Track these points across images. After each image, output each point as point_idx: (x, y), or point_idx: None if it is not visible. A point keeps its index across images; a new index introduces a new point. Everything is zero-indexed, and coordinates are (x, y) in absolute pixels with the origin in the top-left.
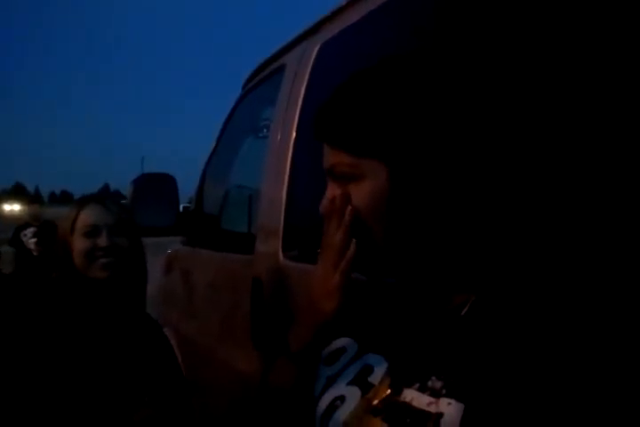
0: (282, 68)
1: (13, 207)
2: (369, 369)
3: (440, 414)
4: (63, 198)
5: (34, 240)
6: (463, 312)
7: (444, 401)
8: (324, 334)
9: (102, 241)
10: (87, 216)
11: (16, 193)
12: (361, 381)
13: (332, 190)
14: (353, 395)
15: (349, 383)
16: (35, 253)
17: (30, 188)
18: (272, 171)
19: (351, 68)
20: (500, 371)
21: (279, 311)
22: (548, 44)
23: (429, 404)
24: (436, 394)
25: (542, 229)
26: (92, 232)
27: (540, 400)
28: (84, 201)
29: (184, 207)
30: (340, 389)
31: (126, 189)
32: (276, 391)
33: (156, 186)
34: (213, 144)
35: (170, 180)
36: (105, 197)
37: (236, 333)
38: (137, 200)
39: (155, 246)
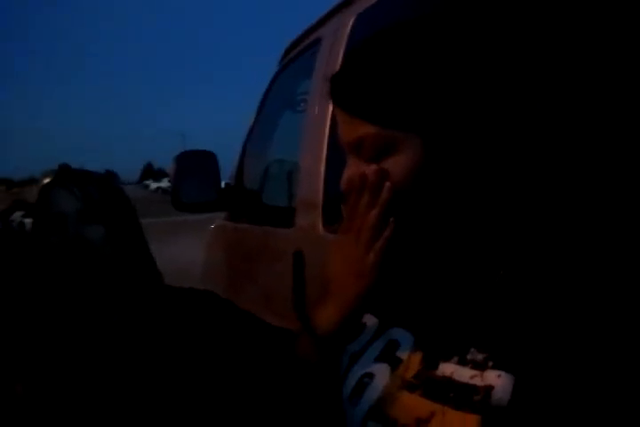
0: (318, 42)
1: None
2: (395, 344)
3: (490, 387)
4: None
5: (29, 220)
6: (495, 283)
7: (491, 373)
8: (354, 315)
9: (66, 233)
10: (47, 205)
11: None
12: (388, 356)
13: (357, 165)
14: (382, 371)
15: (376, 360)
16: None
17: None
18: (310, 144)
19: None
20: (547, 341)
21: (320, 284)
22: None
23: (473, 377)
24: (479, 366)
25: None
26: (54, 224)
27: (592, 368)
28: (44, 185)
29: (226, 184)
30: (366, 366)
31: (169, 168)
32: (304, 373)
33: (198, 163)
34: (252, 119)
35: (211, 156)
36: (68, 174)
37: (279, 306)
38: (179, 177)
39: (199, 223)
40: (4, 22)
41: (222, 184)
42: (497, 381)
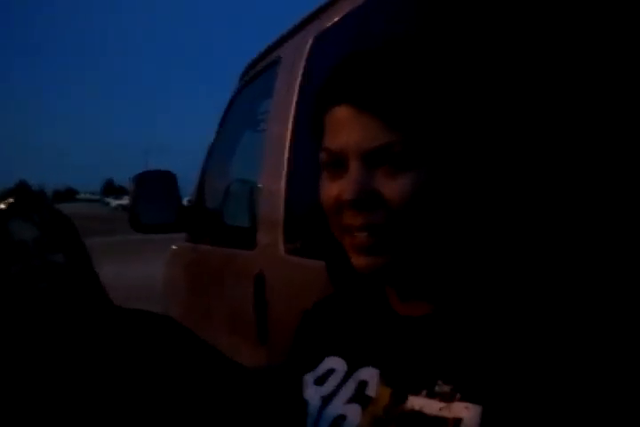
0: (277, 61)
1: None
2: (364, 384)
3: (458, 419)
4: (68, 195)
5: None
6: (453, 315)
7: (458, 405)
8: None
9: (30, 261)
10: (8, 234)
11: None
12: (359, 397)
13: (366, 176)
14: (354, 412)
15: (347, 402)
16: None
17: (34, 185)
18: (270, 164)
19: None
20: (511, 370)
21: (283, 306)
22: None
23: (441, 409)
24: (446, 398)
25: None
26: (16, 253)
27: (558, 395)
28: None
29: (188, 201)
30: (338, 408)
31: (130, 184)
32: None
33: (157, 183)
34: (212, 138)
35: (170, 176)
36: (23, 205)
37: (241, 328)
38: (138, 198)
39: (161, 242)
40: None
41: (184, 201)
42: (465, 412)
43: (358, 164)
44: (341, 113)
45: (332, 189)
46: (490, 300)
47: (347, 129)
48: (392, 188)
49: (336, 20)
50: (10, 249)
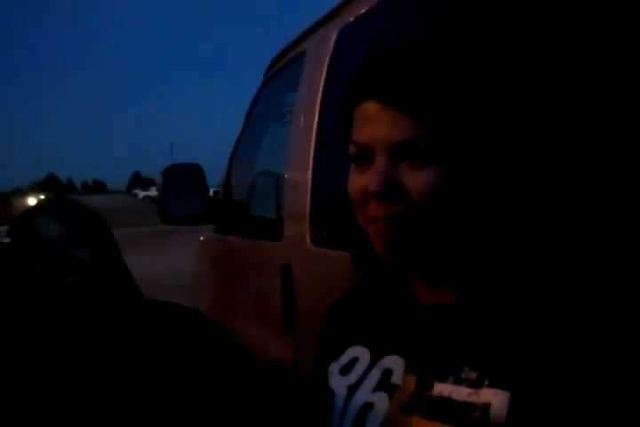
0: (302, 55)
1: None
2: (389, 372)
3: (487, 405)
4: (96, 187)
5: (7, 240)
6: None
7: (487, 391)
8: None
9: (56, 257)
10: (34, 230)
11: (49, 184)
12: (385, 384)
13: (391, 168)
14: (381, 400)
15: (374, 390)
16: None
17: (63, 178)
18: (296, 156)
19: (371, 53)
20: (538, 356)
21: (310, 297)
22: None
23: (469, 395)
24: (474, 384)
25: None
26: (43, 249)
27: (585, 382)
28: (29, 211)
29: (214, 191)
30: (365, 396)
31: (157, 176)
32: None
33: (185, 176)
34: (238, 131)
35: (197, 169)
36: (52, 201)
37: (269, 318)
38: (167, 190)
39: (191, 232)
40: None
41: (211, 192)
42: (493, 398)
43: (384, 157)
44: (370, 108)
45: (359, 181)
46: (513, 287)
47: (374, 123)
48: (415, 180)
49: (360, 13)
50: (35, 246)
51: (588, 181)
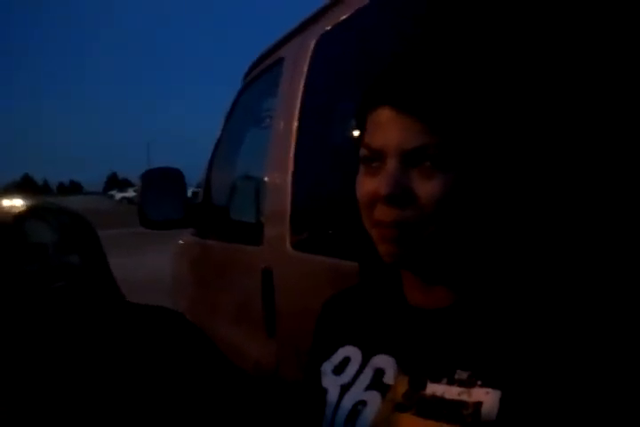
0: (281, 61)
1: (14, 202)
2: (381, 372)
3: (479, 403)
4: (72, 188)
5: None
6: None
7: (479, 390)
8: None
9: (48, 262)
10: (28, 235)
11: (25, 185)
12: (377, 384)
13: (402, 174)
14: (373, 398)
15: (366, 389)
16: None
17: (39, 179)
18: (276, 161)
19: (349, 60)
20: (528, 357)
21: (291, 300)
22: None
23: (461, 393)
24: (466, 384)
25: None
26: (35, 254)
27: (574, 380)
28: (21, 215)
29: (193, 193)
30: (357, 395)
31: (134, 177)
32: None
33: (164, 180)
34: (218, 134)
35: (176, 173)
36: (43, 207)
37: (249, 321)
38: (146, 195)
39: (168, 233)
40: None
41: (189, 192)
42: (485, 397)
43: (396, 162)
44: (384, 114)
45: (369, 184)
46: (506, 292)
47: (387, 129)
48: (425, 187)
49: (339, 20)
50: (26, 250)
51: (589, 187)
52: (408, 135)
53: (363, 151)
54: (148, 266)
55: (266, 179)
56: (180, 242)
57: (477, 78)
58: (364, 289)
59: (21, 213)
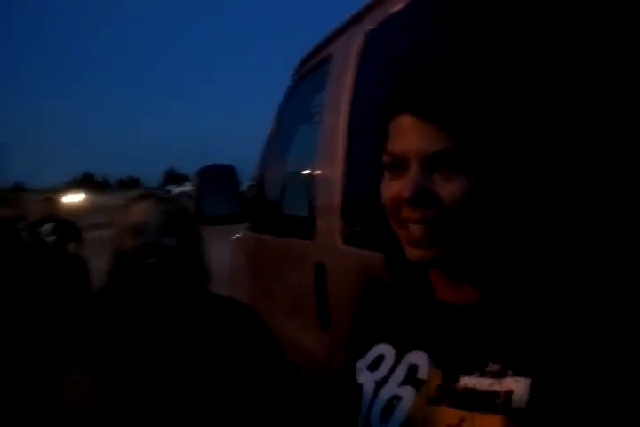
0: (329, 58)
1: (75, 198)
2: (414, 367)
3: (509, 391)
4: (131, 184)
5: (52, 238)
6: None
7: (509, 380)
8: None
9: (147, 238)
10: (133, 216)
11: (85, 183)
12: (411, 379)
13: (424, 177)
14: (408, 392)
15: (401, 384)
16: (51, 248)
17: (98, 176)
18: (326, 156)
19: (396, 56)
20: (556, 346)
21: (343, 294)
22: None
23: (492, 384)
24: (497, 375)
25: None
26: (137, 232)
27: (600, 367)
28: (133, 200)
29: (248, 186)
30: (392, 390)
31: (190, 173)
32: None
33: (219, 176)
34: (270, 131)
35: (231, 170)
36: (153, 194)
37: (303, 314)
38: (202, 192)
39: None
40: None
41: (244, 186)
42: (515, 385)
43: (418, 166)
44: (404, 121)
45: (393, 188)
46: (530, 285)
47: (408, 135)
48: (446, 188)
49: (385, 17)
50: (130, 228)
51: (603, 185)
52: (428, 140)
53: (386, 158)
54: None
55: (316, 174)
56: (237, 236)
57: (493, 84)
58: (395, 287)
59: (136, 195)
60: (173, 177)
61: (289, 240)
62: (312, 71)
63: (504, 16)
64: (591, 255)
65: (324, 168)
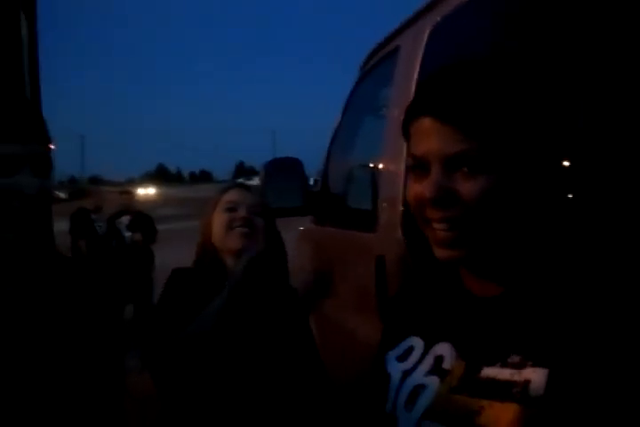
0: (397, 50)
1: (148, 191)
2: (440, 358)
3: (527, 381)
4: (202, 177)
5: (129, 233)
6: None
7: (527, 370)
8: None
9: (241, 213)
10: (229, 196)
11: (159, 175)
12: (437, 369)
13: (445, 178)
14: (432, 382)
15: (426, 374)
16: (128, 243)
17: (172, 169)
18: (391, 150)
19: (463, 48)
20: (572, 338)
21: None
22: None
23: (512, 375)
24: (517, 366)
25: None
26: (232, 208)
27: (615, 359)
28: (228, 186)
29: (315, 181)
30: (418, 379)
31: (260, 166)
32: None
33: (285, 169)
34: (336, 123)
35: (297, 163)
36: (245, 184)
37: (364, 306)
38: (268, 184)
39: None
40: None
41: (311, 180)
42: (532, 375)
43: (439, 167)
44: (425, 124)
45: (417, 189)
46: (551, 280)
47: (429, 138)
48: (467, 188)
49: (452, 9)
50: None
51: (618, 182)
52: (448, 142)
53: (408, 161)
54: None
55: (381, 167)
56: (301, 228)
57: (510, 86)
58: (427, 280)
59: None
60: (243, 170)
61: (351, 233)
62: (379, 63)
63: (562, 12)
64: (608, 249)
65: (389, 161)
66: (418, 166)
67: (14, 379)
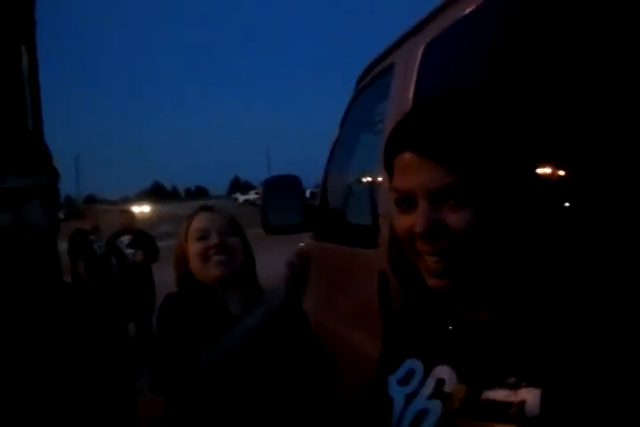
0: (391, 67)
1: (143, 209)
2: (442, 382)
3: (522, 402)
4: (198, 193)
5: (131, 251)
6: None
7: (522, 391)
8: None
9: (213, 240)
10: (197, 223)
11: (155, 192)
12: (438, 393)
13: (433, 211)
14: (435, 406)
15: (429, 398)
16: (131, 261)
17: (168, 186)
18: None
19: (457, 66)
20: (563, 359)
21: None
22: None
23: (508, 396)
24: (513, 387)
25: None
26: (203, 236)
27: (604, 377)
28: (194, 212)
29: (311, 193)
30: (420, 403)
31: (256, 180)
32: None
33: (284, 187)
34: (333, 139)
35: (295, 180)
36: (211, 205)
37: (367, 323)
38: (268, 202)
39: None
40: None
41: (307, 193)
42: (527, 395)
43: (426, 202)
44: (407, 158)
45: (405, 222)
46: (541, 303)
47: (413, 172)
48: (455, 219)
49: (446, 26)
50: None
51: (604, 207)
52: (432, 177)
53: (393, 195)
54: (275, 264)
55: (379, 182)
56: (301, 244)
57: (489, 119)
58: (423, 302)
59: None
60: (239, 185)
61: (352, 249)
62: (375, 80)
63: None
64: (597, 272)
65: (387, 177)
66: (404, 200)
67: (27, 407)
